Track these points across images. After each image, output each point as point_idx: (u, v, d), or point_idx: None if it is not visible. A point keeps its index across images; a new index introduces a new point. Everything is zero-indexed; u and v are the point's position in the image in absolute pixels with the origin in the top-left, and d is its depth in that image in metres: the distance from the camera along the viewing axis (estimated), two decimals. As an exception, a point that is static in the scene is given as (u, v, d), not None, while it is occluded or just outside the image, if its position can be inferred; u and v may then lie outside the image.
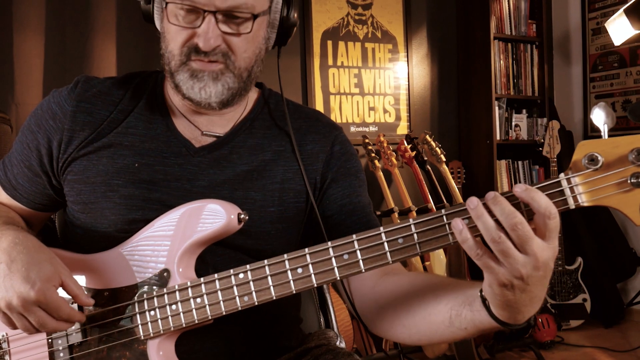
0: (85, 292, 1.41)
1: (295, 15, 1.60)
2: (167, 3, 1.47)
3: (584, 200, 1.14)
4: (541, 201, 1.10)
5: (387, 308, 1.48)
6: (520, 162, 5.68)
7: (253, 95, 1.71)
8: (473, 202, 1.15)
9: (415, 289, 1.43)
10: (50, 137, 1.56)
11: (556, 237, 1.13)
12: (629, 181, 1.11)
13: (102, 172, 1.53)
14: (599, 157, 1.12)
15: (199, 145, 1.58)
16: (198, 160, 1.57)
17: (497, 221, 1.12)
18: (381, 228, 1.26)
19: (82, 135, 1.55)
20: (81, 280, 1.48)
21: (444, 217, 1.20)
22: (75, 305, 1.43)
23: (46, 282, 1.31)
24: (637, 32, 4.59)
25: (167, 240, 1.44)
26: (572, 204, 1.15)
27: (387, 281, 1.52)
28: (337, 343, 1.81)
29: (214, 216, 1.39)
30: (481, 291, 1.24)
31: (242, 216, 1.39)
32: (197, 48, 1.46)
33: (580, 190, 1.14)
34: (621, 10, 4.62)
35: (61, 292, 1.37)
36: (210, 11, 1.43)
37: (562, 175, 1.16)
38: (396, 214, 4.46)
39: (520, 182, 5.61)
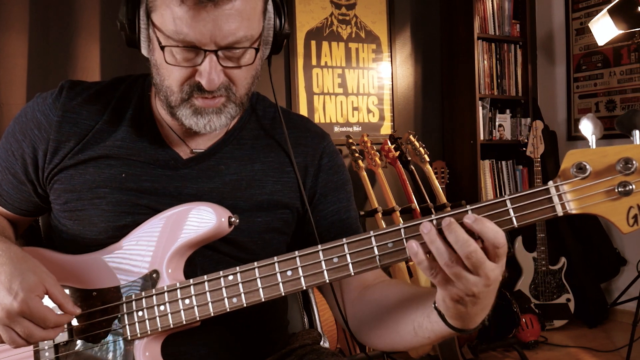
0: (72, 301, 1.40)
1: (287, 25, 1.54)
2: (163, 46, 1.38)
3: (572, 207, 1.17)
4: (489, 233, 1.14)
5: (364, 321, 1.56)
6: (504, 162, 5.69)
7: None
8: (426, 226, 1.19)
9: (386, 305, 1.49)
10: (35, 147, 1.55)
11: (504, 256, 1.18)
12: (616, 190, 1.14)
13: (89, 181, 1.52)
14: (587, 166, 1.15)
15: (187, 157, 1.58)
16: (186, 172, 1.56)
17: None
18: (371, 232, 1.27)
19: (68, 145, 1.54)
20: (69, 280, 1.48)
21: (434, 222, 1.21)
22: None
23: (29, 292, 1.31)
24: (621, 32, 4.59)
25: (158, 242, 1.45)
26: (560, 212, 1.17)
27: (365, 298, 1.57)
28: (321, 343, 1.82)
29: (205, 218, 1.41)
30: (435, 303, 1.30)
31: (233, 219, 1.41)
32: (200, 87, 1.40)
33: (569, 198, 1.16)
34: (605, 10, 4.63)
35: (50, 303, 1.37)
36: (212, 50, 1.36)
37: (550, 183, 1.18)
38: (380, 214, 4.46)
39: (504, 182, 5.64)
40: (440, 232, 1.17)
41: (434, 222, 1.20)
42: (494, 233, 1.14)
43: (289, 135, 1.64)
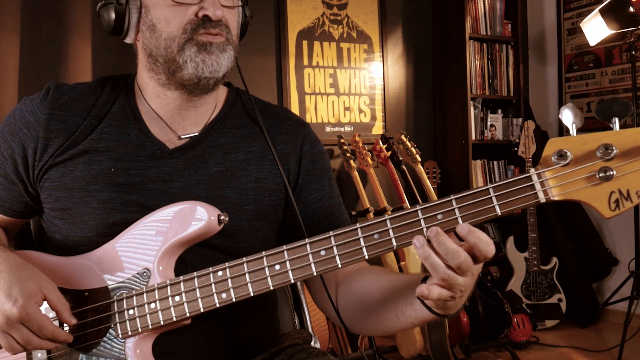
0: (69, 310, 1.42)
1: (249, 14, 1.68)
2: None
3: (554, 194, 1.18)
4: (482, 245, 1.19)
5: (346, 306, 1.58)
6: (495, 162, 5.70)
7: (222, 93, 1.72)
8: (420, 241, 1.21)
9: (368, 295, 1.52)
10: (25, 146, 1.56)
11: None
12: (597, 175, 1.15)
13: (79, 178, 1.53)
14: (568, 153, 1.16)
15: (172, 146, 1.59)
16: (172, 161, 1.58)
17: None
18: (357, 224, 1.29)
19: (57, 142, 1.55)
20: (60, 282, 1.48)
21: (419, 212, 1.24)
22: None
23: (28, 298, 1.34)
24: (613, 32, 4.61)
25: (149, 241, 1.46)
26: (542, 198, 1.19)
27: (346, 288, 1.59)
28: (312, 343, 1.84)
29: (195, 218, 1.42)
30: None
31: (222, 217, 1.42)
32: (205, 19, 1.48)
33: (551, 185, 1.18)
34: (596, 10, 4.64)
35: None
36: None
37: (532, 170, 1.20)
38: (372, 214, 4.44)
39: (495, 182, 5.62)
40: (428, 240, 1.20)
41: (424, 230, 1.23)
42: (486, 246, 1.19)
43: (270, 125, 1.68)
